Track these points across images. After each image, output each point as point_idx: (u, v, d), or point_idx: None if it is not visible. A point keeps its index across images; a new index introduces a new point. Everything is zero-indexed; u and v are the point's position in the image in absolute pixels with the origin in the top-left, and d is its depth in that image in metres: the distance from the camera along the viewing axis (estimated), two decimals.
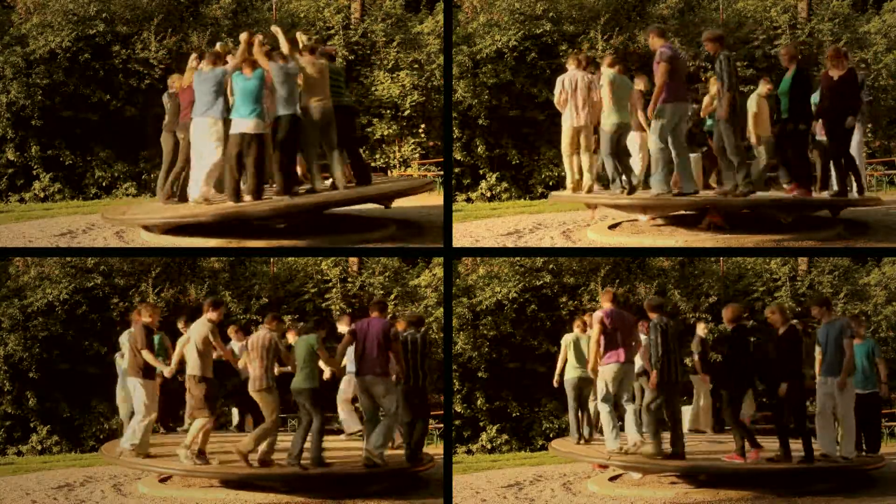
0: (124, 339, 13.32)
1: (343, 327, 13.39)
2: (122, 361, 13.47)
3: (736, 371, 11.94)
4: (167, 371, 12.63)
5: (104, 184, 17.26)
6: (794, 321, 12.66)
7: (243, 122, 12.76)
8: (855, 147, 13.55)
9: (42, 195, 17.12)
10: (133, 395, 12.78)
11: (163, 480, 12.90)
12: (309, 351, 11.97)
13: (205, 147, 13.00)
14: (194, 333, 12.01)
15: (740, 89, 13.15)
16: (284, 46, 13.19)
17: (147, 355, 12.52)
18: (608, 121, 13.33)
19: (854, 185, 13.53)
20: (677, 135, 13.03)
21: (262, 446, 11.98)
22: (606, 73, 13.39)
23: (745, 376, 12.04)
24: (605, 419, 12.13)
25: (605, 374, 12.00)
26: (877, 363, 13.19)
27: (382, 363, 11.87)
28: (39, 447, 16.72)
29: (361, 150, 17.75)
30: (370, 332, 11.89)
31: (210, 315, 12.03)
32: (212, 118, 12.92)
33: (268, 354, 11.91)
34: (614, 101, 13.29)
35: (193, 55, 13.68)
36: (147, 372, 12.59)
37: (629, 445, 12.00)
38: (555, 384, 13.75)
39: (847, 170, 13.35)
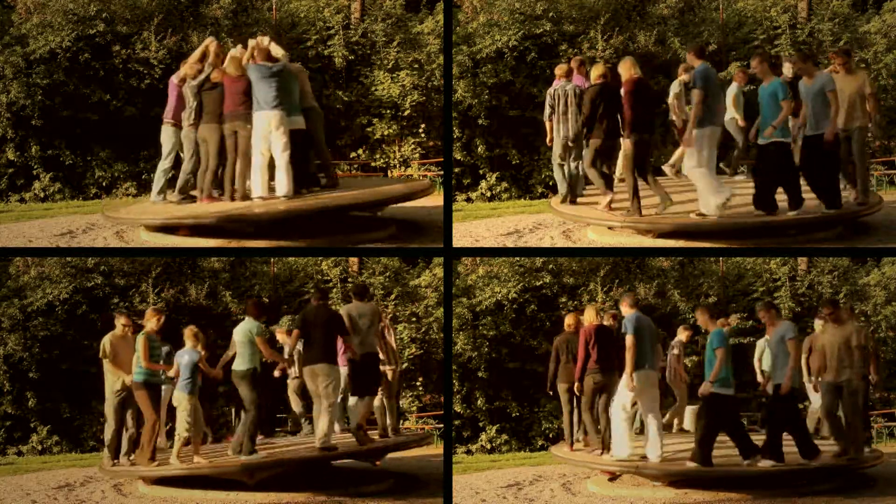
0: (244, 334, 12.16)
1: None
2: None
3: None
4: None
5: (104, 184, 17.25)
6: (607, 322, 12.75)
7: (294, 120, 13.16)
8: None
9: (42, 195, 17.11)
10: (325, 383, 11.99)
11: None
12: None
13: (275, 141, 12.93)
14: (365, 318, 12.19)
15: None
16: (278, 52, 13.31)
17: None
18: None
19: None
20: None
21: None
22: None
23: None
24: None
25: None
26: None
27: None
28: (39, 447, 16.74)
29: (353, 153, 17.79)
30: None
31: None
32: (280, 112, 12.94)
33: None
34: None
35: (240, 46, 13.54)
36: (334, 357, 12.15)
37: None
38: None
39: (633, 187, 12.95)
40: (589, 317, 12.55)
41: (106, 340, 12.64)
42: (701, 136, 12.43)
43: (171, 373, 12.29)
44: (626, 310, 12.02)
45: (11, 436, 16.84)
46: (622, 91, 12.75)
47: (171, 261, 17.24)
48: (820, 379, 12.40)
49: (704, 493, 12.01)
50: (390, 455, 13.35)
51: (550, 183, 17.35)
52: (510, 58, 17.36)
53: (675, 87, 15.00)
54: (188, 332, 12.29)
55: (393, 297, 17.15)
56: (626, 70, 12.75)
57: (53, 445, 16.77)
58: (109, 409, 12.70)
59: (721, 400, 11.80)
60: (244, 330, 12.10)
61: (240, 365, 12.08)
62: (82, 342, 16.89)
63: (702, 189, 12.58)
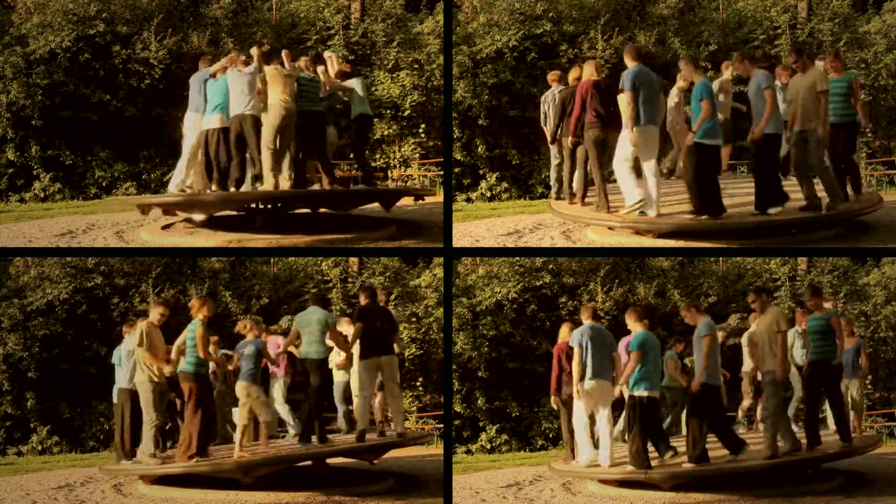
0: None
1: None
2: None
3: None
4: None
5: (104, 184, 17.26)
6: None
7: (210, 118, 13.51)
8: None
9: (42, 195, 17.12)
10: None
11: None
12: None
13: (189, 140, 13.82)
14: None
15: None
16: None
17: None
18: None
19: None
20: None
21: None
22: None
23: None
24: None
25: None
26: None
27: None
28: (39, 447, 16.73)
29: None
30: None
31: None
32: (191, 114, 13.72)
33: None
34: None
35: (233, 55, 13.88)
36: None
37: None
38: None
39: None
40: (563, 334, 12.61)
41: (144, 328, 12.17)
42: (635, 136, 12.45)
43: (231, 365, 12.35)
44: (585, 320, 12.17)
45: (11, 436, 16.84)
46: (577, 93, 13.05)
47: (171, 261, 17.24)
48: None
49: (705, 493, 12.00)
50: (390, 455, 13.34)
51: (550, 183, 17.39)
52: (510, 58, 17.37)
53: (673, 96, 14.83)
54: (249, 321, 12.43)
55: (393, 297, 17.14)
56: (587, 73, 13.06)
57: (53, 445, 16.77)
58: (148, 402, 12.22)
59: (641, 402, 11.85)
60: (317, 319, 12.17)
61: (317, 353, 12.18)
62: (82, 342, 16.89)
63: (625, 185, 12.75)
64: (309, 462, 12.64)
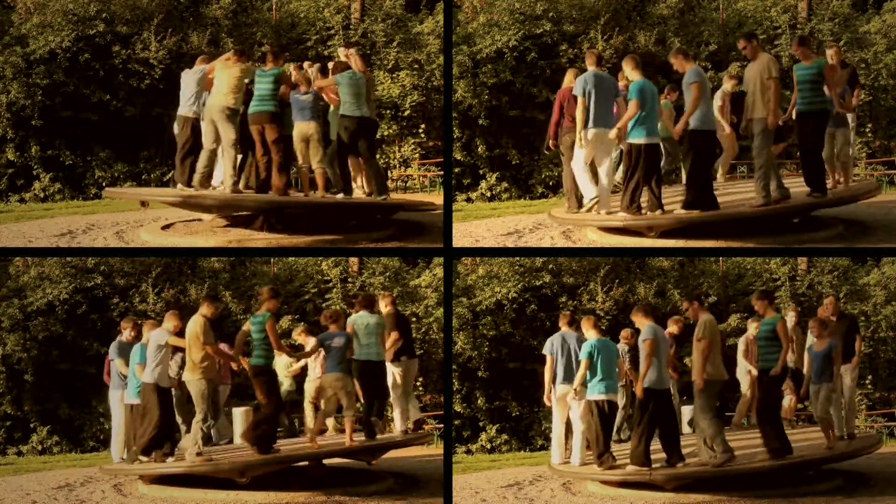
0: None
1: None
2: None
3: None
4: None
5: (104, 184, 17.25)
6: None
7: None
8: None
9: (42, 195, 17.12)
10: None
11: None
12: None
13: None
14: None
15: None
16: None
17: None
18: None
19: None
20: None
21: None
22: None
23: None
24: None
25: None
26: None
27: None
28: (39, 447, 16.73)
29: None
30: None
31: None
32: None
33: None
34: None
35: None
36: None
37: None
38: None
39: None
40: None
41: (202, 324, 11.87)
42: (586, 137, 12.78)
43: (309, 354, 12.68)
44: (562, 326, 12.43)
45: (11, 436, 16.84)
46: (556, 99, 13.34)
47: (171, 261, 17.23)
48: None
49: (705, 493, 12.00)
50: (390, 455, 13.35)
51: (550, 183, 17.38)
52: (510, 58, 17.36)
53: (717, 99, 14.73)
54: (333, 313, 12.49)
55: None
56: (567, 80, 13.33)
57: (53, 445, 16.76)
58: (202, 397, 11.91)
59: (595, 405, 12.03)
60: (375, 322, 12.37)
61: (378, 356, 12.43)
62: (82, 342, 16.89)
63: (581, 184, 13.13)
64: (306, 462, 12.65)
